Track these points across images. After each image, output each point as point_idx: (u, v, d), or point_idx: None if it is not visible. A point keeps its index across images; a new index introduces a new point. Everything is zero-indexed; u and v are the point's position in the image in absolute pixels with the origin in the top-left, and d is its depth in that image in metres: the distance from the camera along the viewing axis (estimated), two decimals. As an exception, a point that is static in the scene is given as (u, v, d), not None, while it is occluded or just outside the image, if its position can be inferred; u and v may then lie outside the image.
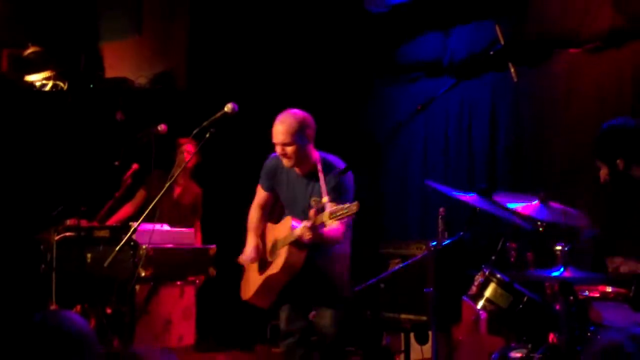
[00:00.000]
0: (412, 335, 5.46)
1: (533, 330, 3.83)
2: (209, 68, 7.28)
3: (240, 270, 5.08)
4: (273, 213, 4.83)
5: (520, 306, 3.84)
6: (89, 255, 4.87)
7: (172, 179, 4.43)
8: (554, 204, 3.88)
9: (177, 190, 6.05)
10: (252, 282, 4.58)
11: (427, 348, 5.29)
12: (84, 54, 7.56)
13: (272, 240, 4.55)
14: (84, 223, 5.07)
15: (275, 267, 4.37)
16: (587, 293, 3.76)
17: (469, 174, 6.27)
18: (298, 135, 4.34)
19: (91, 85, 7.26)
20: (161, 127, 5.09)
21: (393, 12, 6.54)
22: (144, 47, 7.79)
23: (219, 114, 4.20)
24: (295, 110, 4.49)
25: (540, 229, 3.86)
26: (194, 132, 4.23)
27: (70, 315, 2.05)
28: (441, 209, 4.90)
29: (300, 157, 4.39)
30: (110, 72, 7.73)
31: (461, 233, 4.16)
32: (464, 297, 4.08)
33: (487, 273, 3.95)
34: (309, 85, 6.99)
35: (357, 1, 6.60)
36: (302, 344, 4.47)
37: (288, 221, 4.39)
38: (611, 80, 5.50)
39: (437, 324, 3.97)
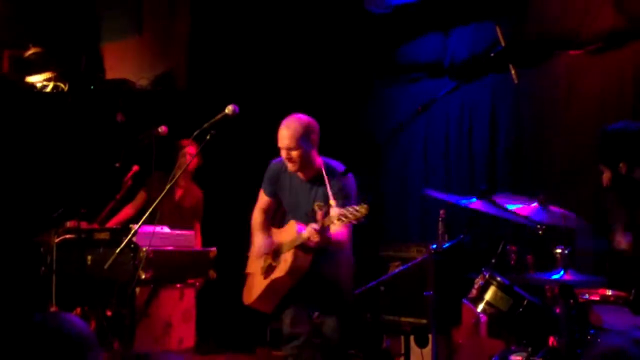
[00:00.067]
0: (412, 338, 5.46)
1: (533, 333, 3.83)
2: (209, 69, 7.28)
3: (240, 272, 5.09)
4: (274, 218, 4.86)
5: (521, 309, 3.84)
6: (89, 258, 4.86)
7: (173, 181, 4.42)
8: (553, 208, 3.88)
9: (179, 193, 6.05)
10: (256, 286, 4.60)
11: (427, 351, 5.28)
12: (84, 55, 7.56)
13: (276, 244, 4.57)
14: (84, 225, 5.07)
15: (281, 271, 4.40)
16: (587, 296, 3.76)
17: (469, 175, 6.27)
18: (303, 139, 4.40)
19: (92, 87, 7.26)
20: (162, 129, 5.10)
21: (394, 13, 6.54)
22: (144, 48, 7.79)
23: (219, 116, 4.20)
24: (300, 115, 4.52)
25: (540, 232, 3.85)
26: (195, 133, 4.24)
27: (70, 318, 2.05)
28: (441, 212, 4.90)
29: (305, 162, 4.44)
30: (110, 74, 7.73)
31: (461, 236, 4.17)
32: (464, 300, 4.08)
33: (487, 276, 3.95)
34: (310, 86, 6.99)
35: (357, 2, 6.60)
36: (306, 347, 4.47)
37: (293, 225, 4.42)
38: (612, 81, 5.49)
39: (437, 326, 3.97)
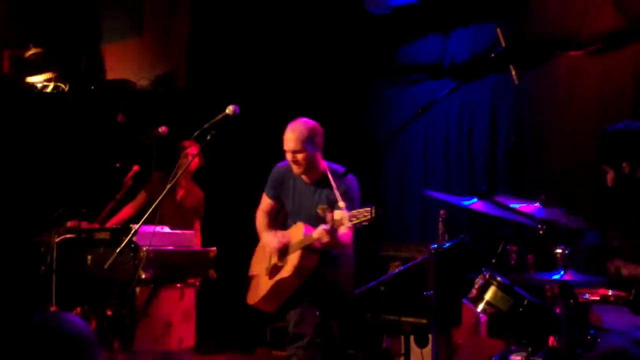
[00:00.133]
0: (412, 338, 5.46)
1: (533, 333, 3.83)
2: (210, 70, 7.28)
3: (240, 272, 5.09)
4: (276, 221, 4.90)
5: (521, 309, 3.84)
6: (89, 257, 4.85)
7: (174, 181, 4.43)
8: (555, 208, 3.88)
9: (180, 193, 6.05)
10: (261, 287, 4.66)
11: (427, 351, 5.27)
12: (85, 55, 7.57)
13: (283, 243, 4.62)
14: (84, 225, 5.07)
15: (287, 271, 4.46)
16: (587, 296, 3.76)
17: (470, 175, 6.27)
18: (308, 142, 4.49)
19: (92, 87, 7.26)
20: (162, 129, 5.11)
21: (394, 14, 6.55)
22: (144, 48, 7.80)
23: (220, 116, 4.21)
24: (306, 119, 4.60)
25: (541, 231, 3.85)
26: (195, 134, 4.24)
27: (70, 317, 2.04)
28: (441, 212, 4.90)
29: (310, 164, 4.54)
30: (111, 74, 7.73)
31: (461, 236, 4.17)
32: (464, 300, 4.08)
33: (487, 276, 3.96)
34: (310, 87, 7.00)
35: (358, 3, 6.60)
36: (310, 348, 4.50)
37: (300, 227, 4.49)
38: (612, 82, 5.50)
39: (437, 326, 3.97)
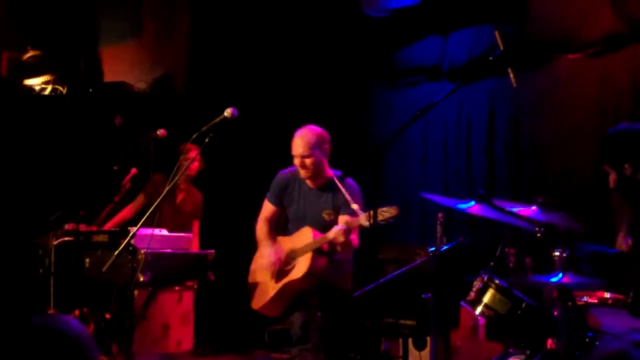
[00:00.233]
0: (410, 340, 5.45)
1: (531, 336, 3.82)
2: (208, 72, 7.28)
3: (239, 275, 5.10)
4: (276, 227, 5.03)
5: (519, 312, 3.84)
6: (87, 260, 4.85)
7: (172, 184, 4.43)
8: (553, 211, 3.87)
9: (180, 197, 6.05)
10: (266, 290, 4.74)
11: (426, 354, 5.27)
12: (83, 58, 7.56)
13: (286, 250, 4.74)
14: (82, 227, 5.06)
15: (297, 273, 4.57)
16: (585, 299, 3.76)
17: (468, 178, 6.27)
18: (316, 148, 4.66)
19: (90, 90, 7.26)
20: (160, 132, 5.11)
21: (392, 16, 6.55)
22: (143, 51, 7.79)
23: (218, 119, 4.22)
24: (314, 126, 4.76)
25: (539, 234, 3.85)
26: (193, 136, 4.25)
27: (68, 320, 2.04)
28: (440, 215, 4.90)
29: (317, 170, 4.69)
30: (109, 77, 7.73)
31: (460, 239, 4.17)
32: (463, 303, 4.08)
33: (485, 279, 3.95)
34: (309, 90, 7.00)
35: (356, 5, 6.60)
36: (316, 350, 4.58)
37: (308, 231, 4.63)
38: (611, 84, 5.50)
39: (436, 329, 3.97)
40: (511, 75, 3.97)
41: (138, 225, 4.31)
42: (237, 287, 5.17)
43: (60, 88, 7.21)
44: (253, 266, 5.02)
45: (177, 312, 4.92)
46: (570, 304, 3.59)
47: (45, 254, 5.02)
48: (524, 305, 3.84)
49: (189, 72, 7.48)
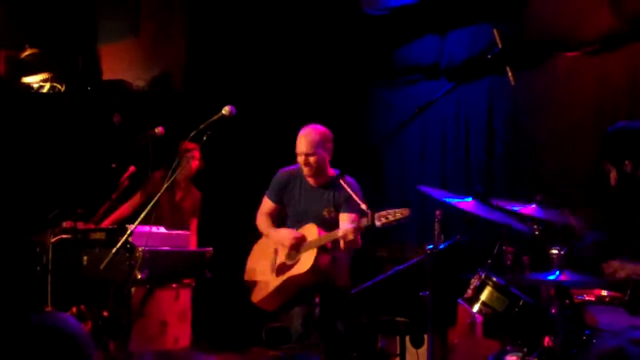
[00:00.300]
0: (407, 338, 5.46)
1: (529, 334, 3.83)
2: (206, 70, 7.27)
3: (236, 273, 5.10)
4: (274, 224, 5.09)
5: (516, 310, 3.85)
6: (85, 258, 4.84)
7: (170, 181, 4.43)
8: (551, 209, 3.88)
9: (179, 194, 6.05)
10: (268, 283, 4.82)
11: (423, 351, 5.28)
12: (81, 55, 7.56)
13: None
14: (80, 225, 5.06)
15: (301, 268, 4.64)
16: (583, 297, 3.77)
17: (466, 176, 6.28)
18: (320, 146, 4.75)
19: (88, 88, 7.25)
20: (158, 130, 5.10)
21: (391, 15, 6.55)
22: (141, 49, 7.79)
23: (216, 117, 4.23)
24: (318, 125, 4.85)
25: (537, 232, 3.86)
26: (192, 134, 4.25)
27: (65, 318, 2.05)
28: (437, 212, 4.90)
29: (320, 168, 4.78)
30: (107, 75, 7.72)
31: (457, 236, 4.17)
32: (460, 300, 4.08)
33: (483, 276, 3.96)
34: (307, 88, 7.00)
35: (355, 4, 6.60)
36: (316, 346, 4.63)
37: (312, 228, 4.71)
38: (609, 82, 5.51)
39: (433, 327, 3.97)
40: (509, 74, 3.98)
41: (136, 223, 4.31)
42: (234, 285, 5.18)
43: (59, 86, 7.21)
44: (250, 258, 5.07)
45: (174, 309, 4.91)
46: (567, 301, 3.60)
47: (43, 252, 5.01)
48: (521, 303, 3.85)
49: (187, 70, 7.48)
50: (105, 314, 4.74)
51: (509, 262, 4.27)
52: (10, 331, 1.95)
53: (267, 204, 5.05)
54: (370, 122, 6.89)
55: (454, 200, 3.97)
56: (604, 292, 3.75)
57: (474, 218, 4.00)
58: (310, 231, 4.73)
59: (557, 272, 3.46)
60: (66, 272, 4.86)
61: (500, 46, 3.94)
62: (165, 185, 4.30)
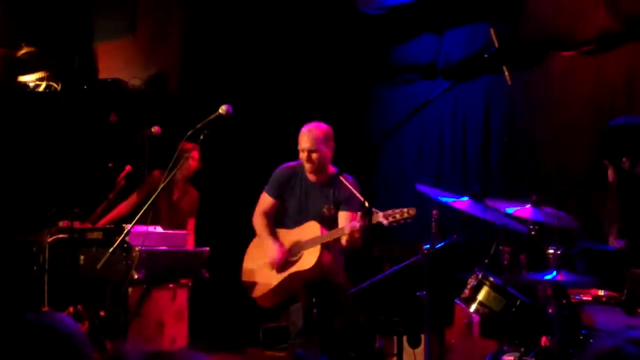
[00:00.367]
0: (404, 338, 5.45)
1: (526, 334, 3.83)
2: (203, 70, 7.26)
3: (234, 273, 5.10)
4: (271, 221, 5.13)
5: (513, 309, 3.84)
6: (82, 257, 4.84)
7: (166, 180, 4.42)
8: (547, 208, 3.88)
9: (176, 194, 6.04)
10: (267, 280, 4.88)
11: (420, 351, 5.28)
12: (77, 54, 7.54)
13: (291, 242, 4.88)
14: (77, 225, 5.05)
15: (304, 265, 4.72)
16: (579, 296, 3.77)
17: (463, 175, 6.28)
18: (322, 143, 4.83)
19: (85, 87, 7.24)
20: (155, 129, 5.10)
21: (388, 14, 6.55)
22: (137, 48, 7.77)
23: (213, 116, 4.23)
24: (321, 123, 4.93)
25: (533, 232, 3.86)
26: (188, 133, 4.25)
27: (61, 317, 2.04)
28: (434, 212, 4.90)
29: (322, 165, 4.86)
30: (103, 74, 7.71)
31: (454, 236, 4.17)
32: (457, 300, 4.08)
33: (480, 276, 3.96)
34: (304, 87, 6.99)
35: (351, 3, 6.60)
36: (316, 342, 4.71)
37: (314, 225, 4.78)
38: (605, 82, 5.51)
39: (430, 327, 3.97)
40: (506, 73, 3.97)
41: (132, 223, 4.31)
42: (231, 285, 5.17)
43: (55, 85, 7.19)
44: (248, 255, 5.09)
45: (171, 309, 4.91)
46: (564, 301, 3.60)
47: (40, 251, 5.00)
48: (518, 303, 3.84)
49: (184, 69, 7.47)
50: (102, 313, 4.74)
51: (506, 262, 4.27)
52: (6, 331, 1.95)
53: (266, 201, 5.07)
54: (368, 120, 6.89)
55: (451, 200, 3.96)
56: (601, 292, 3.75)
57: (471, 217, 4.00)
58: (313, 228, 4.79)
59: (554, 272, 3.47)
60: (63, 272, 4.86)
61: (497, 45, 3.94)
62: (162, 185, 4.30)
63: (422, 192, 4.05)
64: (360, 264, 5.19)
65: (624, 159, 3.72)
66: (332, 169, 4.90)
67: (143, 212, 4.28)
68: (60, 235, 4.96)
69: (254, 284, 4.98)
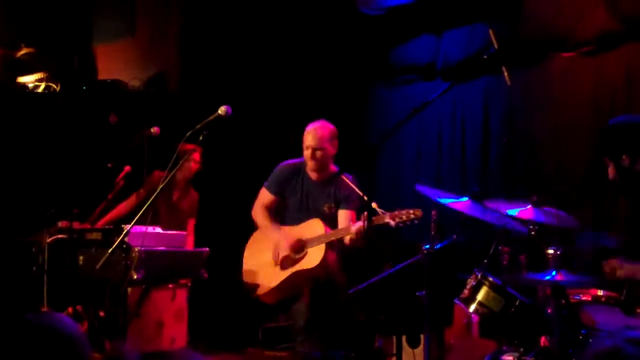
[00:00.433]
0: (404, 338, 5.45)
1: (525, 334, 3.83)
2: (202, 71, 7.27)
3: (233, 274, 5.10)
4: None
5: (512, 309, 3.85)
6: (81, 258, 4.83)
7: (165, 181, 4.42)
8: (547, 208, 3.88)
9: (176, 195, 6.05)
10: (270, 277, 4.92)
11: (419, 351, 5.28)
12: (77, 55, 7.54)
13: (293, 239, 4.91)
14: (76, 225, 5.05)
15: (310, 263, 4.78)
16: (579, 296, 3.77)
17: (462, 176, 6.28)
18: (328, 142, 4.91)
19: (84, 87, 7.24)
20: (154, 130, 5.10)
21: (387, 14, 6.55)
22: (137, 48, 7.77)
23: (212, 117, 4.22)
24: (326, 122, 5.02)
25: (532, 232, 3.86)
26: (187, 134, 4.24)
27: (61, 318, 2.04)
28: (433, 212, 4.90)
29: (325, 163, 4.94)
30: (103, 74, 7.71)
31: (454, 236, 4.17)
32: (456, 300, 4.08)
33: (479, 276, 3.96)
34: (303, 88, 6.99)
35: (351, 3, 6.60)
36: (320, 341, 4.76)
37: (317, 223, 4.86)
38: (605, 82, 5.52)
39: (430, 327, 3.97)
40: (505, 74, 3.98)
41: (132, 223, 4.30)
42: (231, 285, 5.17)
43: (54, 85, 7.18)
44: (247, 251, 5.10)
45: (170, 309, 4.91)
46: (563, 301, 3.60)
47: (39, 252, 5.00)
48: (517, 303, 3.85)
49: (183, 70, 7.47)
50: (101, 314, 4.73)
51: (505, 262, 4.27)
52: (6, 331, 1.95)
53: (265, 197, 5.11)
54: (367, 121, 6.89)
55: (450, 201, 3.96)
56: (600, 292, 3.75)
57: (470, 218, 4.00)
58: (316, 226, 4.84)
59: (554, 272, 3.47)
60: (62, 272, 4.85)
61: (496, 46, 3.94)
62: (161, 186, 4.30)
63: (422, 193, 4.05)
64: (359, 263, 5.19)
65: (624, 157, 3.73)
66: (333, 168, 4.96)
67: (142, 213, 4.27)
68: (60, 236, 4.96)
69: (256, 281, 5.01)
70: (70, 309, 4.81)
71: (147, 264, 4.62)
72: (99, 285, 4.57)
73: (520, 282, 4.00)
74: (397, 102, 6.72)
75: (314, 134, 4.91)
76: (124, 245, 4.45)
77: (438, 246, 4.02)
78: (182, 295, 5.03)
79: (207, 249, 5.14)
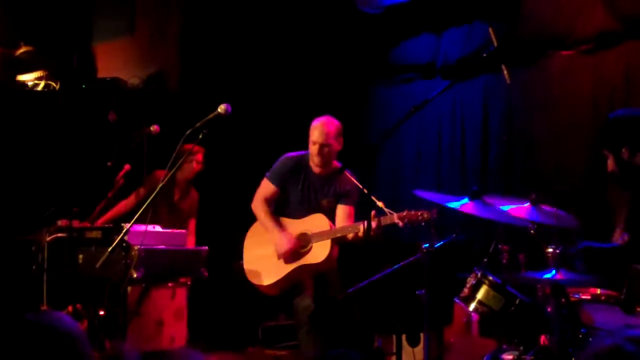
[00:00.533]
0: (404, 337, 5.46)
1: (525, 333, 3.83)
2: (202, 69, 7.26)
3: (233, 273, 5.10)
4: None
5: (512, 308, 3.85)
6: (80, 256, 4.84)
7: (165, 180, 4.42)
8: (546, 207, 3.88)
9: (177, 195, 6.05)
10: (273, 270, 4.92)
11: (419, 350, 5.28)
12: (76, 54, 7.53)
13: (296, 232, 4.95)
14: (76, 224, 5.05)
15: (316, 258, 4.82)
16: (578, 295, 3.77)
17: (462, 175, 6.28)
18: (334, 138, 4.94)
19: (83, 86, 7.23)
20: (154, 128, 5.10)
21: (386, 13, 6.55)
22: (136, 47, 7.77)
23: (212, 115, 4.21)
24: (332, 118, 5.03)
25: (532, 231, 3.85)
26: (187, 133, 4.24)
27: (60, 316, 2.04)
28: (433, 211, 4.90)
29: (330, 159, 4.96)
30: (102, 73, 7.70)
31: (453, 235, 4.18)
32: (456, 299, 4.08)
33: (479, 275, 3.96)
34: (303, 86, 6.99)
35: (351, 2, 6.59)
36: (322, 335, 4.80)
37: (322, 218, 4.90)
38: (604, 81, 5.52)
39: (429, 326, 3.97)
40: (505, 72, 3.97)
41: (132, 222, 4.30)
42: (231, 284, 5.17)
43: (53, 84, 7.18)
44: (247, 242, 5.10)
45: (170, 308, 4.91)
46: (563, 300, 3.60)
47: (39, 251, 5.00)
48: (517, 302, 3.85)
49: (183, 68, 7.47)
50: (101, 312, 4.73)
51: (505, 261, 4.27)
52: (6, 331, 1.95)
53: (267, 188, 5.11)
54: (367, 120, 6.89)
55: (451, 205, 3.96)
56: (600, 291, 3.75)
57: (469, 218, 3.99)
58: (320, 221, 4.88)
59: (553, 271, 3.47)
60: (62, 271, 4.85)
61: (495, 45, 3.93)
62: (161, 185, 4.30)
63: (421, 197, 4.06)
64: (359, 262, 5.19)
65: (623, 150, 3.73)
66: (336, 163, 5.00)
67: (142, 211, 4.27)
68: (59, 235, 4.96)
69: (259, 273, 4.99)
70: (70, 308, 4.81)
71: (147, 262, 4.62)
72: (99, 283, 4.57)
73: (520, 280, 4.00)
74: (396, 101, 6.72)
75: (320, 130, 4.93)
76: (124, 244, 4.45)
77: (438, 245, 4.02)
78: (182, 294, 5.03)
79: (207, 247, 5.14)
